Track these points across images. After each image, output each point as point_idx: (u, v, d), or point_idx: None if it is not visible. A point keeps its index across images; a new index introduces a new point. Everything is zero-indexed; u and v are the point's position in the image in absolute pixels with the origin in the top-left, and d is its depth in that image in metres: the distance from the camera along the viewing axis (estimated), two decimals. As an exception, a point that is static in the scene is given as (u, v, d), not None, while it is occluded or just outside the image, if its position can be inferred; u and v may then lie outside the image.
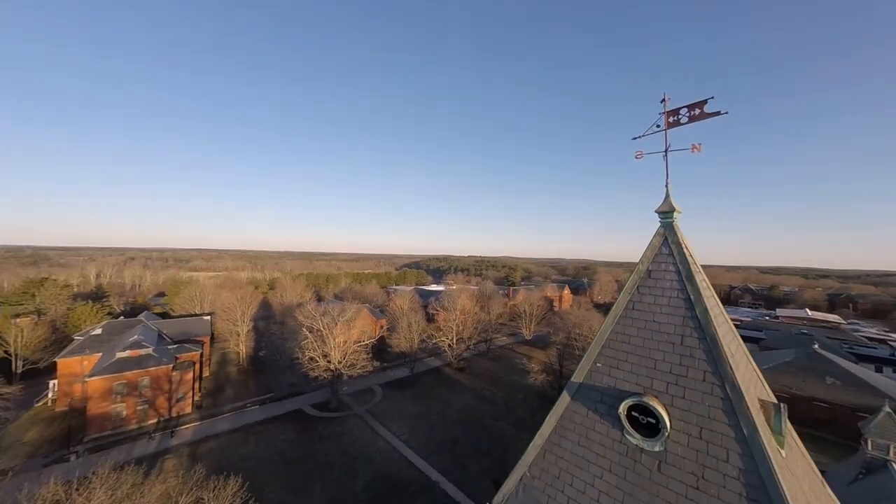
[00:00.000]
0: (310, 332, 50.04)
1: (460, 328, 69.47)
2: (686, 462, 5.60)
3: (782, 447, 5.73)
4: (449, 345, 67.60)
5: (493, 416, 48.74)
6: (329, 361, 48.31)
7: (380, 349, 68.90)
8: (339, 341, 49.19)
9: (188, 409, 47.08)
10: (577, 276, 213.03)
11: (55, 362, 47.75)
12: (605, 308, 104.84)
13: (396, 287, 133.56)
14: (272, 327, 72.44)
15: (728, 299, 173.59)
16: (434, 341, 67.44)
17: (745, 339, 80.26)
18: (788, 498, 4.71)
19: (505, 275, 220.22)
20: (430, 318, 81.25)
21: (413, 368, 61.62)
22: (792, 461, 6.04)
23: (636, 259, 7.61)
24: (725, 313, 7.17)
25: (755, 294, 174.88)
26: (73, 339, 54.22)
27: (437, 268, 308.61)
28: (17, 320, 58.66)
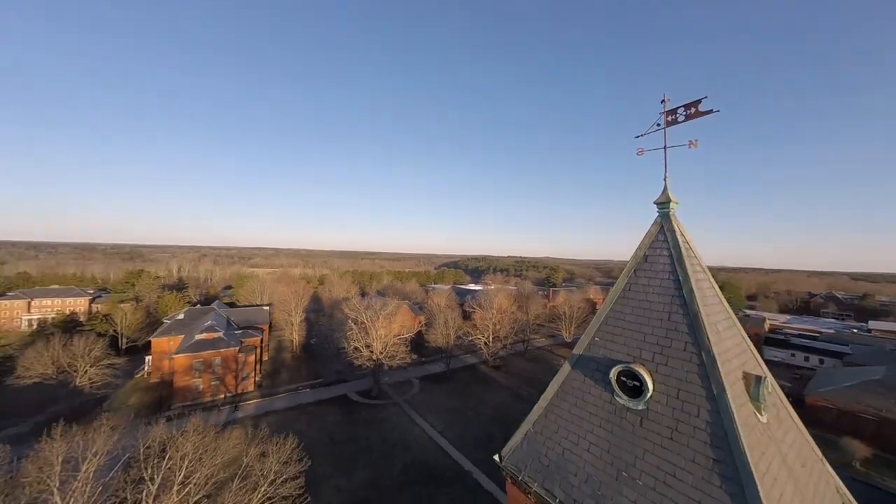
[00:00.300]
0: (354, 323, 53.97)
1: (496, 327, 70.01)
2: (664, 418, 6.43)
3: (760, 413, 6.32)
4: (485, 342, 68.46)
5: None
6: (371, 352, 51.75)
7: (418, 344, 71.71)
8: (380, 333, 52.47)
9: (251, 388, 53.20)
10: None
11: (150, 341, 56.59)
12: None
13: (435, 285, 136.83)
14: (321, 319, 78.65)
15: (806, 308, 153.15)
16: (470, 338, 68.71)
17: (824, 353, 71.02)
18: (746, 447, 5.42)
19: (546, 276, 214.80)
20: (466, 316, 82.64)
21: (449, 364, 63.41)
22: (774, 429, 6.55)
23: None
24: (721, 295, 7.73)
25: (841, 303, 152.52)
26: (162, 322, 63.72)
27: (476, 268, 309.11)
28: (122, 305, 70.23)
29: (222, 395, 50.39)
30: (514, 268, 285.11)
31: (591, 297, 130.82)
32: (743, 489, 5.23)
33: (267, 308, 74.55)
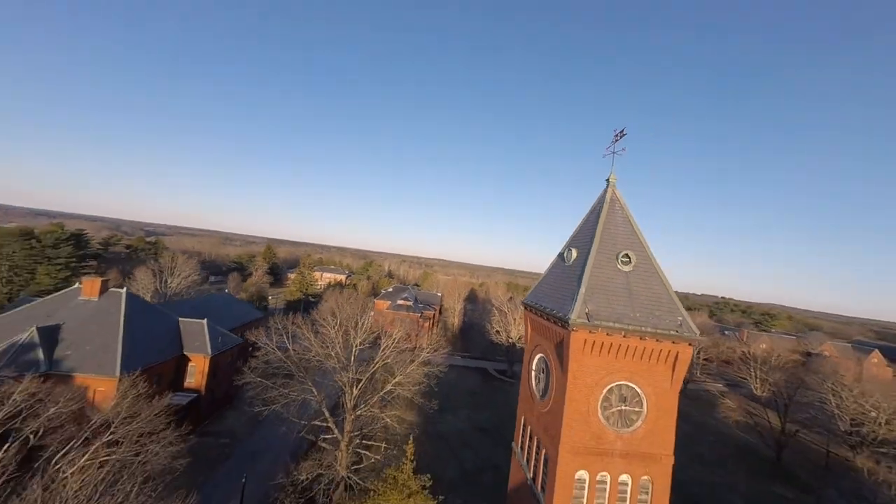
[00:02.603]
0: (497, 311, 66.28)
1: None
2: (577, 267, 14.91)
3: (625, 266, 13.91)
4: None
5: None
6: (509, 337, 62.37)
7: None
8: (517, 318, 62.50)
9: (423, 344, 73.93)
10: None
11: (375, 301, 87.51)
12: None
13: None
14: (476, 311, 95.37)
15: None
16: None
17: None
18: (586, 276, 13.64)
19: (756, 321, 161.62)
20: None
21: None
22: (635, 277, 13.79)
23: None
24: (637, 227, 15.07)
25: None
26: (380, 293, 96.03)
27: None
28: (363, 282, 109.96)
29: (409, 346, 72.93)
30: (709, 308, 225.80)
31: (825, 353, 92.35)
32: (578, 286, 13.50)
33: (440, 295, 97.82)
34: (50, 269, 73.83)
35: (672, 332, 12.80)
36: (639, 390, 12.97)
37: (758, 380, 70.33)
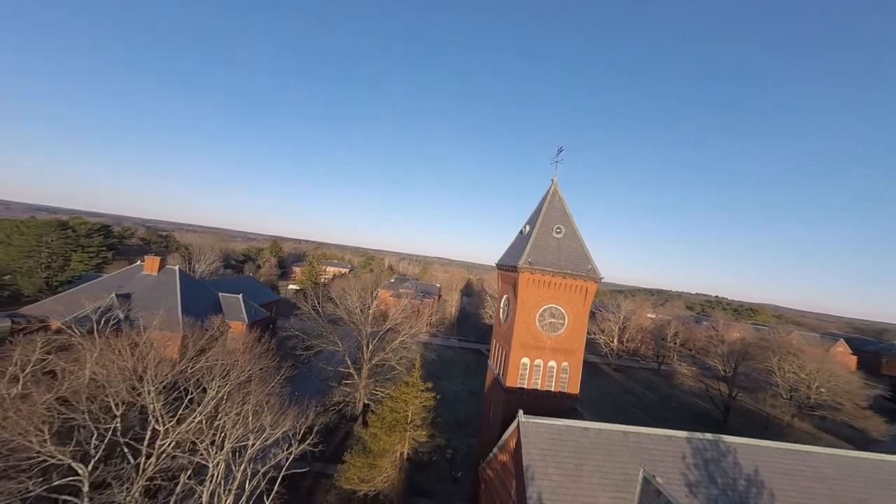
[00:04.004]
0: (492, 299, 73.92)
1: (621, 333, 74.10)
2: (528, 236, 22.49)
3: (557, 234, 21.52)
4: (606, 342, 73.88)
5: (635, 406, 54.62)
6: (499, 318, 70.11)
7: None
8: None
9: (423, 328, 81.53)
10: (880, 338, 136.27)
11: (379, 291, 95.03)
12: None
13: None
14: (471, 301, 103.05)
15: None
16: (591, 336, 75.64)
17: None
18: (531, 240, 21.20)
19: (744, 318, 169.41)
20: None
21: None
22: (564, 241, 21.40)
23: None
24: (569, 210, 22.68)
25: None
26: (382, 284, 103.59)
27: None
28: (366, 275, 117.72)
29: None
30: (700, 306, 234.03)
31: (794, 342, 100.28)
32: (526, 246, 21.08)
33: (438, 286, 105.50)
34: (83, 257, 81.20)
35: (583, 274, 20.44)
36: (562, 310, 20.59)
37: (718, 357, 78.52)
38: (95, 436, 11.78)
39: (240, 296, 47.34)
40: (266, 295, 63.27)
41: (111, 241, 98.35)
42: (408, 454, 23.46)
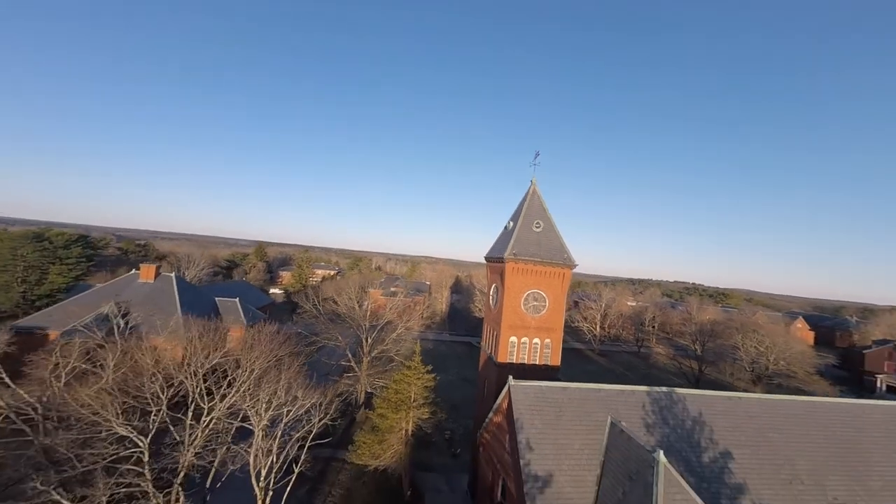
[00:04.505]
0: (481, 293, 77.10)
1: (603, 320, 78.89)
2: (511, 231, 25.41)
3: (537, 229, 24.53)
4: (589, 329, 78.43)
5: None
6: (488, 311, 73.39)
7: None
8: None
9: (415, 324, 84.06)
10: (837, 314, 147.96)
11: (370, 291, 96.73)
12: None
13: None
14: (462, 297, 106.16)
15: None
16: (575, 324, 79.97)
17: None
18: (514, 234, 24.11)
19: (717, 302, 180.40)
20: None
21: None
22: (542, 234, 24.42)
23: None
24: (547, 208, 25.72)
25: None
26: (374, 283, 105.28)
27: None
28: (354, 276, 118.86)
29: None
30: (678, 293, 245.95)
31: (758, 322, 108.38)
32: (510, 240, 23.96)
33: (428, 283, 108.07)
34: (62, 269, 79.31)
35: (560, 262, 23.55)
36: (544, 294, 23.65)
37: (689, 337, 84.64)
38: (153, 412, 13.90)
39: (237, 299, 48.61)
40: (259, 298, 64.42)
41: (89, 253, 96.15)
42: (412, 431, 26.09)
